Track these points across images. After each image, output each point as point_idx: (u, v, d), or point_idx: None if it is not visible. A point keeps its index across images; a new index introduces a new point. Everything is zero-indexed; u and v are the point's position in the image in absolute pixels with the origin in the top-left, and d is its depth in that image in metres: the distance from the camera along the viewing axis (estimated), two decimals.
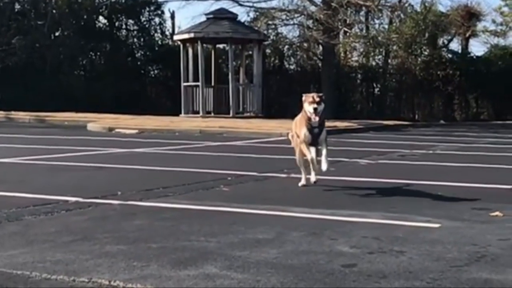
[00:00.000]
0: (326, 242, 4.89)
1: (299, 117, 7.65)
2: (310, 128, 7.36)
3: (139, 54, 33.37)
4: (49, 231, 5.22)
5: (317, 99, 7.27)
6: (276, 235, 5.09)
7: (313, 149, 7.56)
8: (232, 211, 6.16)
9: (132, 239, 4.92)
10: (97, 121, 21.50)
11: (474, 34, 35.49)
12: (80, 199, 6.67)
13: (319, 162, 7.51)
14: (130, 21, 32.81)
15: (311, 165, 7.57)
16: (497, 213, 6.07)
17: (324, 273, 4.02)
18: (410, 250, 4.61)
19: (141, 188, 7.44)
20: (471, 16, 34.20)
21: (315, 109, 7.21)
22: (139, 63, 33.07)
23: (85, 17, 31.37)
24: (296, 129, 7.72)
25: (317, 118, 7.26)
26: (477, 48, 77.61)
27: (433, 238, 5.01)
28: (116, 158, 11.47)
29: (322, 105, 7.30)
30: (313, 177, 7.69)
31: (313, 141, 7.44)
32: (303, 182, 7.88)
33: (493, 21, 37.98)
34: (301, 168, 7.90)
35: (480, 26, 36.21)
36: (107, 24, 32.73)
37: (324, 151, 7.38)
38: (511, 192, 7.70)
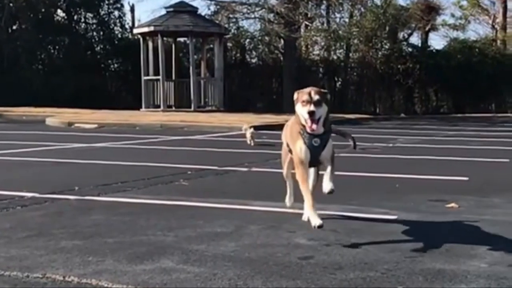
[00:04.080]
0: (284, 235, 4.90)
1: (292, 121, 5.16)
2: (308, 140, 4.87)
3: (98, 48, 33.05)
4: (4, 227, 5.13)
5: (316, 97, 4.75)
6: (235, 229, 5.08)
7: (312, 172, 5.27)
8: (190, 205, 6.13)
9: (88, 234, 4.87)
10: (56, 116, 21.22)
11: (433, 28, 35.93)
12: (37, 195, 6.58)
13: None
14: (89, 15, 32.47)
15: (305, 197, 4.91)
16: (452, 204, 6.15)
17: (281, 266, 4.03)
18: (367, 241, 4.64)
19: (99, 183, 7.37)
20: (431, 10, 34.59)
21: (311, 113, 4.72)
22: (98, 56, 32.74)
23: (43, 10, 30.92)
24: (287, 139, 5.27)
25: (315, 127, 4.76)
26: (437, 41, 78.96)
27: (390, 230, 5.06)
28: (74, 153, 11.34)
29: (324, 107, 4.80)
30: (316, 220, 4.67)
31: (314, 160, 4.96)
32: (287, 201, 5.81)
33: (452, 15, 38.62)
34: (287, 182, 5.75)
35: (439, 20, 36.74)
36: (65, 17, 32.32)
37: (329, 168, 4.90)
38: (468, 184, 7.80)
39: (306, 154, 4.89)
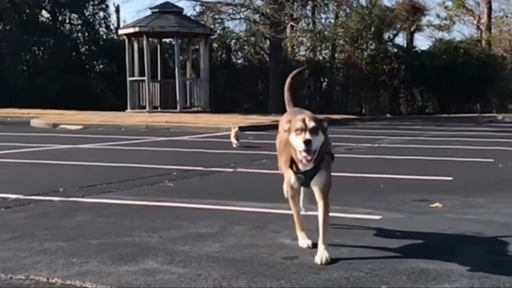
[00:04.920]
0: (269, 235, 4.90)
1: (284, 135, 4.42)
2: (299, 172, 4.34)
3: (83, 48, 32.92)
4: None
5: (311, 125, 4.14)
6: (219, 229, 5.08)
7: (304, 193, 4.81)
8: (175, 206, 6.13)
9: (72, 235, 4.86)
10: (41, 117, 21.13)
11: (419, 29, 36.08)
12: (21, 196, 6.55)
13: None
14: (74, 15, 32.32)
15: (295, 220, 4.64)
16: (436, 204, 6.18)
17: (265, 266, 4.03)
18: (351, 241, 4.66)
19: (83, 184, 7.35)
20: (416, 10, 34.72)
21: (307, 142, 4.09)
22: (83, 57, 32.61)
23: (27, 11, 30.75)
24: (279, 154, 4.64)
25: (310, 158, 4.15)
26: (422, 42, 79.42)
27: (374, 230, 5.08)
28: (59, 154, 11.29)
29: (320, 136, 4.18)
30: (303, 242, 4.55)
31: (305, 186, 4.48)
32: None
33: (437, 16, 38.85)
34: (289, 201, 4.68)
35: (424, 20, 36.90)
36: (50, 18, 32.17)
37: (321, 214, 4.33)
38: (452, 184, 7.84)
39: (296, 184, 4.43)
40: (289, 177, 4.41)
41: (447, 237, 4.86)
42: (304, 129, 4.12)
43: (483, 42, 35.68)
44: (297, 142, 4.14)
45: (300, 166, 4.27)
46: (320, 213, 4.34)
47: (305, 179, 4.33)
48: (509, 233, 4.99)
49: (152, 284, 3.68)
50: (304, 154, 4.12)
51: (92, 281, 3.72)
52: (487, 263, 4.15)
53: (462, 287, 3.66)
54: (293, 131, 4.18)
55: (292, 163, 4.32)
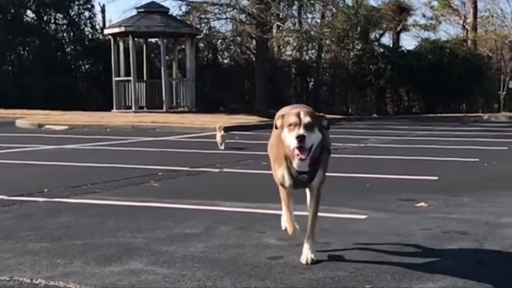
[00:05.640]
0: (255, 235, 4.90)
1: (277, 132, 4.07)
2: (295, 174, 4.01)
3: (69, 48, 32.75)
4: None
5: (306, 119, 3.80)
6: (205, 230, 5.07)
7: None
8: (160, 207, 6.11)
9: (56, 236, 4.83)
10: (26, 117, 21.02)
11: (405, 28, 36.18)
12: (5, 197, 6.51)
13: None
14: (59, 15, 32.12)
15: (289, 226, 4.36)
16: (422, 203, 6.20)
17: (250, 266, 4.03)
18: (336, 241, 4.67)
19: (68, 185, 7.31)
20: (402, 10, 34.81)
21: (300, 137, 3.74)
22: (69, 57, 32.44)
23: (12, 11, 30.55)
24: (271, 153, 4.25)
25: (303, 157, 3.80)
26: (408, 42, 79.74)
27: (359, 229, 5.09)
28: (44, 154, 11.23)
29: (316, 134, 3.86)
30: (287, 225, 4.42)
31: (298, 187, 4.18)
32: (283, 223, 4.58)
33: (423, 15, 38.95)
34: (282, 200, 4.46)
35: (410, 20, 36.99)
36: (35, 18, 31.97)
37: (311, 213, 4.17)
38: (437, 183, 7.87)
39: (290, 184, 4.08)
40: (280, 176, 4.08)
41: (431, 236, 4.87)
42: (298, 124, 3.75)
43: (469, 42, 35.83)
44: (290, 138, 3.77)
45: (295, 165, 3.91)
46: (310, 212, 4.18)
47: (307, 179, 4.00)
48: (493, 232, 5.02)
49: (136, 284, 3.67)
50: (297, 151, 3.75)
51: (76, 282, 3.70)
52: (470, 261, 4.17)
53: (446, 286, 3.67)
54: (286, 127, 3.81)
55: (287, 163, 3.96)
